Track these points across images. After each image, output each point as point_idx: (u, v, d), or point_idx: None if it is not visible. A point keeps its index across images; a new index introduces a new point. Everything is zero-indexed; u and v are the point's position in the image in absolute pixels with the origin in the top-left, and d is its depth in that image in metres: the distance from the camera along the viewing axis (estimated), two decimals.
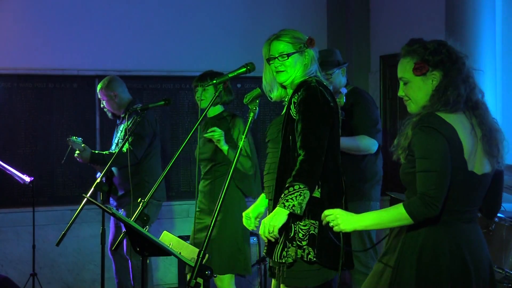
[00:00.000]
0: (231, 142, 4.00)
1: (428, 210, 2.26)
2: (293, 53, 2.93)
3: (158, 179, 2.97)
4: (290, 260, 2.83)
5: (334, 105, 2.93)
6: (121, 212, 4.50)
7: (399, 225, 2.35)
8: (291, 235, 2.83)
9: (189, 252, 2.47)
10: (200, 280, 2.28)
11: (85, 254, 5.68)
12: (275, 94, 3.05)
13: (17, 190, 5.50)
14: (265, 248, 2.96)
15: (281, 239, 2.85)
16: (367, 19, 6.23)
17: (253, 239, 5.36)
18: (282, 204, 2.73)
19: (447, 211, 2.32)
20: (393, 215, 2.33)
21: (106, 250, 3.85)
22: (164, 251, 2.46)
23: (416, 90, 2.41)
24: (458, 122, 2.32)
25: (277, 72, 2.96)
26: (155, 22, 5.91)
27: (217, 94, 2.93)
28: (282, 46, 2.94)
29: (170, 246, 2.53)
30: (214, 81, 2.88)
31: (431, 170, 2.26)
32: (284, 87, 3.03)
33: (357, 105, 4.01)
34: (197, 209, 4.12)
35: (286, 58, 2.93)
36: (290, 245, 2.83)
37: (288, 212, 2.73)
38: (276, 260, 2.86)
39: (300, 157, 2.78)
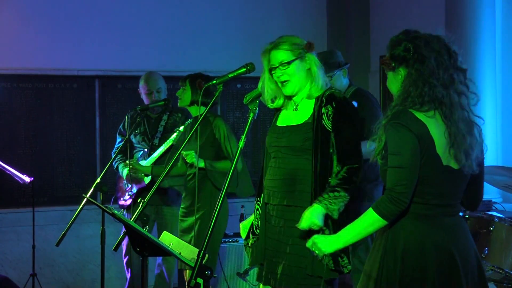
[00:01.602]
0: (214, 144, 4.13)
1: (395, 206, 2.28)
2: (293, 60, 2.92)
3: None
4: (350, 267, 2.86)
5: None
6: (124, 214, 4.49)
7: (375, 228, 2.35)
8: None
9: (189, 252, 2.47)
10: (200, 280, 2.28)
11: (85, 254, 5.69)
12: (278, 102, 3.05)
13: (17, 190, 5.50)
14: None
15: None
16: (367, 19, 6.24)
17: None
18: (325, 205, 2.80)
19: (428, 205, 2.33)
20: (366, 221, 2.35)
21: (107, 251, 3.83)
22: (164, 251, 2.46)
23: (390, 83, 2.47)
24: (431, 119, 2.32)
25: (282, 82, 2.95)
26: (155, 22, 5.91)
27: (217, 94, 2.92)
28: (281, 55, 2.93)
29: (170, 246, 2.53)
30: (214, 81, 2.87)
31: (400, 166, 2.29)
32: (290, 97, 3.03)
33: (362, 108, 3.98)
34: (182, 206, 4.25)
35: (287, 66, 2.92)
36: (343, 254, 2.88)
37: (325, 213, 2.80)
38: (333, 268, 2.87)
39: (348, 167, 2.85)
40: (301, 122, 2.97)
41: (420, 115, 2.32)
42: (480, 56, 4.62)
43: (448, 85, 2.35)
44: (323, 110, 2.91)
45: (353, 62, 6.05)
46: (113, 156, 4.71)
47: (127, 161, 4.44)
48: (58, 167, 5.67)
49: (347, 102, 2.95)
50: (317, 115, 2.92)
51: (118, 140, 4.79)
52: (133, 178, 4.49)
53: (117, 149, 4.72)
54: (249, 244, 3.13)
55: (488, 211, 3.97)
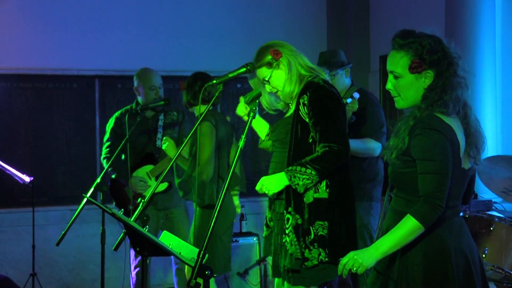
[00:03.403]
0: (194, 145, 4.06)
1: (436, 212, 2.27)
2: (271, 74, 2.98)
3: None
4: (315, 262, 2.84)
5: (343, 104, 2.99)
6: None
7: (415, 236, 2.31)
8: (311, 237, 2.85)
9: (189, 252, 2.47)
10: (200, 280, 2.28)
11: (85, 254, 5.69)
12: (281, 104, 3.13)
13: (17, 190, 5.50)
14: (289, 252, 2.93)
15: (295, 241, 2.87)
16: (367, 19, 6.24)
17: (253, 239, 5.36)
18: (289, 176, 2.81)
19: (446, 208, 2.33)
20: (406, 230, 2.30)
21: (107, 251, 3.82)
22: (164, 251, 2.46)
23: (408, 87, 2.39)
24: (455, 123, 2.34)
25: (275, 93, 3.06)
26: (156, 22, 5.92)
27: (216, 94, 2.93)
28: (262, 72, 3.00)
29: (170, 246, 2.53)
30: (214, 81, 2.88)
31: (435, 172, 2.26)
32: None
33: (365, 108, 4.00)
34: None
35: (269, 81, 3.00)
36: (312, 247, 2.85)
37: (287, 184, 2.83)
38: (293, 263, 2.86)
39: (324, 149, 2.81)
40: (287, 115, 3.05)
41: (447, 119, 2.32)
42: (480, 56, 4.62)
43: (467, 89, 2.39)
44: (301, 100, 2.94)
45: (353, 62, 6.04)
46: (106, 162, 4.51)
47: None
48: (58, 167, 5.67)
49: (324, 88, 2.91)
50: (295, 106, 2.96)
51: (110, 142, 4.58)
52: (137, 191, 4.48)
53: (110, 153, 4.53)
54: (263, 236, 3.19)
55: (488, 211, 3.97)
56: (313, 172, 2.79)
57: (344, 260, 2.41)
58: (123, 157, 4.49)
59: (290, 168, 2.83)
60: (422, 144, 2.29)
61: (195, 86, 4.13)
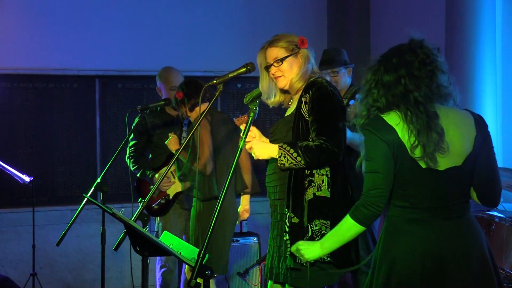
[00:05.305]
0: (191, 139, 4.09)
1: (368, 210, 2.31)
2: (287, 56, 2.97)
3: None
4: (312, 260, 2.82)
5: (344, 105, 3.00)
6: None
7: (354, 233, 2.38)
8: (309, 235, 2.83)
9: (189, 252, 2.47)
10: (200, 280, 2.28)
11: (85, 254, 5.69)
12: (274, 99, 3.09)
13: (17, 190, 5.50)
14: (288, 251, 2.88)
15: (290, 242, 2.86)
16: (367, 19, 6.24)
17: (253, 239, 5.36)
18: (280, 154, 2.84)
19: (416, 209, 2.33)
20: (344, 227, 2.39)
21: (108, 251, 3.82)
22: (164, 251, 2.46)
23: None
24: (400, 121, 2.30)
25: (276, 77, 3.01)
26: (155, 22, 5.92)
27: (217, 94, 2.93)
28: (275, 52, 2.99)
29: (170, 246, 2.53)
30: (214, 81, 2.88)
31: (372, 171, 2.32)
32: (284, 91, 3.08)
33: None
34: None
35: (281, 63, 2.97)
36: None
37: (275, 156, 2.86)
38: (298, 261, 2.83)
39: (319, 142, 2.80)
40: (288, 114, 3.03)
41: (390, 118, 2.31)
42: (480, 56, 4.62)
43: (385, 86, 2.37)
44: (302, 98, 2.93)
45: (353, 62, 6.04)
46: (131, 161, 4.49)
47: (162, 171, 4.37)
48: (58, 167, 5.67)
49: (326, 88, 2.91)
50: (297, 105, 2.96)
51: (135, 141, 4.50)
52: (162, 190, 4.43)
53: (135, 151, 4.49)
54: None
55: (488, 211, 3.97)
56: (302, 162, 2.81)
57: (293, 248, 2.60)
58: (150, 156, 4.58)
59: (284, 146, 2.84)
60: (364, 145, 2.36)
61: (193, 91, 4.14)
